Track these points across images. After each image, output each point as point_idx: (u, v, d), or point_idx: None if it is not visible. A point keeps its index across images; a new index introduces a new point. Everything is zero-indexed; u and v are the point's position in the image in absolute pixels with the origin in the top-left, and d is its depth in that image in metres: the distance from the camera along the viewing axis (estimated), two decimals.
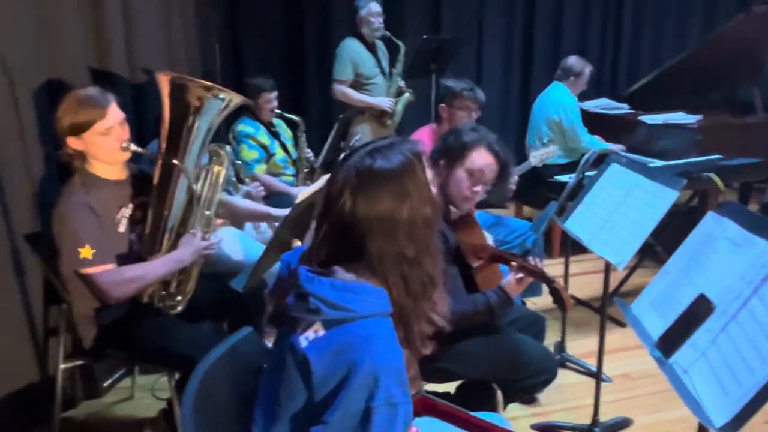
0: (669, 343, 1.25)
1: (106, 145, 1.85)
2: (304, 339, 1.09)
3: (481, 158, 1.93)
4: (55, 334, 2.23)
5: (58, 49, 2.31)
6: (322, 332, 1.08)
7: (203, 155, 2.03)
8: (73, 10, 2.38)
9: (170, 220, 1.97)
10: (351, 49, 3.82)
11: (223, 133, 3.30)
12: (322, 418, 1.03)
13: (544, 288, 2.91)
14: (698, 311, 1.22)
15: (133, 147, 1.90)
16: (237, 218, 2.68)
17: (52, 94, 2.24)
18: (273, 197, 3.31)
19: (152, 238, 1.97)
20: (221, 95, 1.94)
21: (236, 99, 2.01)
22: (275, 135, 3.49)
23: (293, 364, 1.09)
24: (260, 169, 3.35)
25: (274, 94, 3.40)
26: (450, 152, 1.93)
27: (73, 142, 1.84)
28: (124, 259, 1.91)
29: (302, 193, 2.00)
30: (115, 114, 1.86)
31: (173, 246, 1.98)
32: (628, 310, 1.46)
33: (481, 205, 3.00)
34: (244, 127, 3.37)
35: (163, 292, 2.02)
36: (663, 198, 1.83)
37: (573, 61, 4.08)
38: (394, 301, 1.12)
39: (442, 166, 1.95)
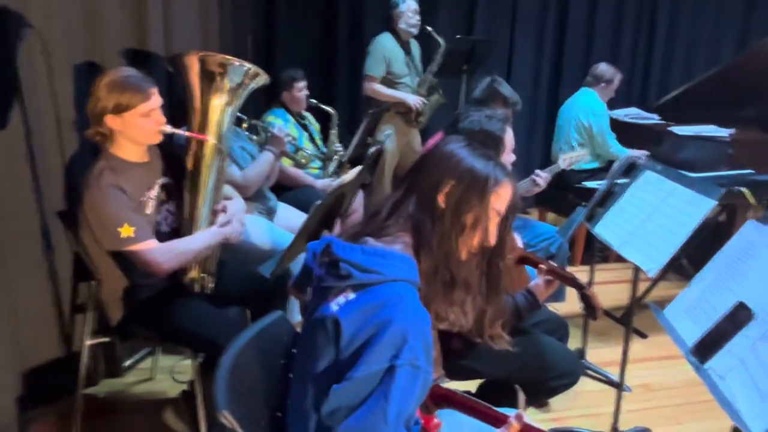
0: (705, 349, 1.23)
1: (145, 126, 1.88)
2: (335, 304, 1.12)
3: (510, 135, 2.03)
4: (82, 310, 2.26)
5: (98, 33, 2.35)
6: (352, 296, 1.11)
7: (232, 131, 2.10)
8: None
9: (207, 198, 2.02)
10: (384, 45, 3.81)
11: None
12: (346, 375, 1.06)
13: (567, 294, 2.92)
14: (737, 318, 1.21)
15: (169, 128, 1.93)
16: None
17: (91, 75, 2.27)
18: (297, 190, 3.33)
19: (191, 220, 2.01)
20: (245, 64, 2.03)
21: (262, 76, 2.08)
22: (304, 127, 3.51)
23: (322, 332, 1.12)
24: (286, 162, 3.36)
25: (305, 82, 3.42)
26: (491, 148, 1.92)
27: (111, 121, 1.85)
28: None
29: (335, 183, 2.01)
30: (157, 98, 1.89)
31: (211, 223, 2.03)
32: (660, 315, 1.45)
33: None
34: (274, 118, 3.39)
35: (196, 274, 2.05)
36: (699, 206, 1.81)
37: (604, 68, 4.06)
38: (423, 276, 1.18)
39: None
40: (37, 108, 2.12)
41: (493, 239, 1.26)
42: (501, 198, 1.25)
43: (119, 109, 1.83)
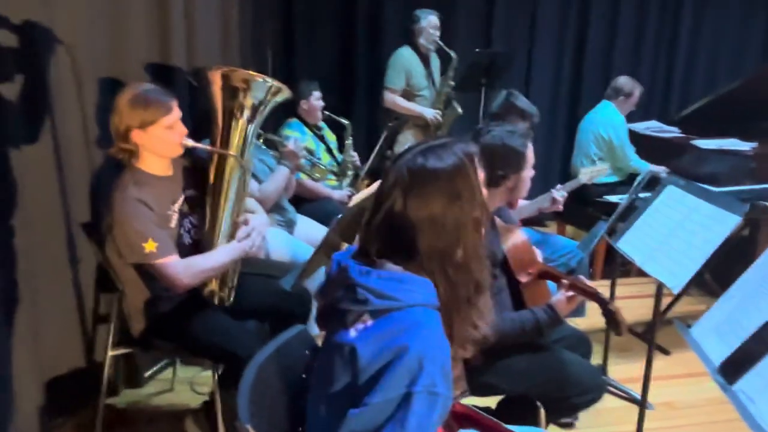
0: (733, 369, 1.21)
1: (169, 139, 1.90)
2: (354, 331, 1.10)
3: (531, 150, 1.97)
4: (104, 321, 2.28)
5: (121, 47, 2.39)
6: (370, 322, 1.09)
7: (252, 145, 2.12)
8: (139, 11, 2.45)
9: (227, 211, 2.03)
10: (405, 58, 3.84)
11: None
12: (363, 400, 1.04)
13: (588, 309, 2.88)
14: (766, 339, 1.18)
15: (190, 142, 1.96)
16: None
17: (115, 89, 2.30)
18: (315, 202, 3.34)
19: (212, 233, 2.02)
20: (268, 80, 2.03)
21: (284, 92, 2.10)
22: (321, 138, 3.53)
23: (340, 357, 1.10)
24: (304, 175, 3.38)
25: (320, 94, 3.46)
26: (513, 164, 1.91)
27: (136, 136, 1.87)
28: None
29: (356, 196, 2.01)
30: (177, 109, 1.92)
31: (232, 236, 2.04)
32: (687, 334, 1.42)
33: (524, 222, 2.99)
34: (291, 131, 3.41)
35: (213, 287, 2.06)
36: (723, 222, 1.79)
37: (623, 81, 4.03)
38: (440, 299, 1.13)
39: (509, 179, 1.93)
40: (64, 120, 2.16)
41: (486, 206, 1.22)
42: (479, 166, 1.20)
43: (144, 124, 1.86)
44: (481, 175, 1.20)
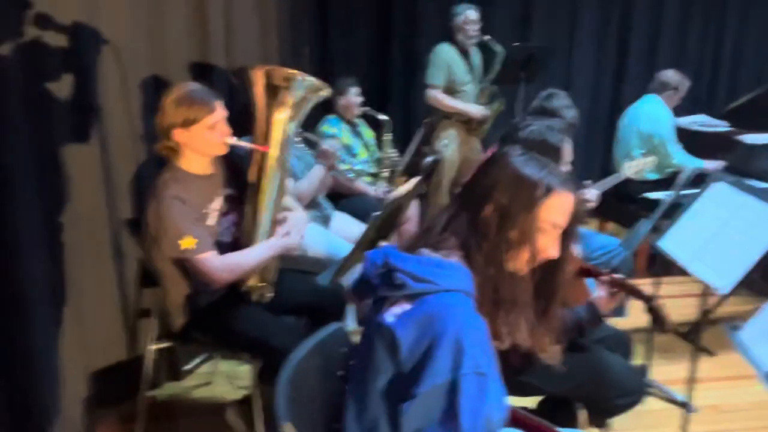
0: None
1: (211, 138, 1.92)
2: (391, 315, 1.11)
3: (570, 145, 1.98)
4: (146, 315, 2.33)
5: (162, 46, 2.43)
6: (407, 306, 1.10)
7: (292, 144, 2.11)
8: (180, 12, 2.50)
9: (268, 209, 2.05)
10: (446, 54, 3.82)
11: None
12: (412, 391, 1.03)
13: (629, 309, 2.81)
14: None
15: (233, 140, 1.98)
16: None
17: (157, 88, 2.35)
18: (352, 198, 3.35)
19: (252, 231, 2.05)
20: (308, 78, 2.04)
21: (324, 90, 2.10)
22: (358, 134, 3.53)
23: (380, 343, 1.11)
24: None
25: (358, 89, 3.46)
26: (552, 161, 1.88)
27: (179, 135, 1.90)
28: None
29: (393, 193, 2.01)
30: (221, 110, 1.94)
31: (271, 234, 2.05)
32: (736, 337, 1.37)
33: None
34: (329, 127, 3.42)
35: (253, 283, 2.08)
36: None
37: (671, 74, 3.91)
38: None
39: None
40: (109, 119, 2.22)
41: (554, 252, 1.21)
42: (555, 209, 1.18)
43: (187, 123, 1.88)
44: (557, 220, 1.20)
